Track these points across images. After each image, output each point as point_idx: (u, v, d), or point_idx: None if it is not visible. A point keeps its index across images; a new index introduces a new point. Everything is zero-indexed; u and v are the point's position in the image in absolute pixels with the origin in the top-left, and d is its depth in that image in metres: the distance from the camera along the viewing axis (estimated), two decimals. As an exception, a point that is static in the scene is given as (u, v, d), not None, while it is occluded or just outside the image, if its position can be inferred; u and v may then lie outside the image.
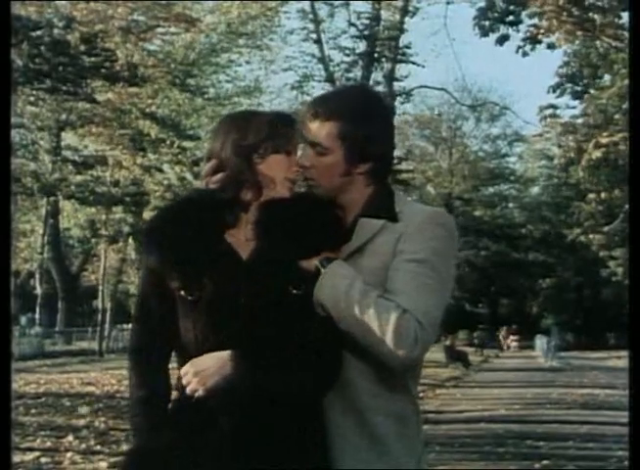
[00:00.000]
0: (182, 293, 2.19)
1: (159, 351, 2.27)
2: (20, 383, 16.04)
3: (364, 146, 2.27)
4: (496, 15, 22.97)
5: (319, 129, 2.29)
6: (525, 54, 22.97)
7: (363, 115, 2.29)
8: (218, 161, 2.28)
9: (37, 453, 8.17)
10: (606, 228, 36.05)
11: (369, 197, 2.31)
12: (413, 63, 32.88)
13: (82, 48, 17.79)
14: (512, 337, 48.27)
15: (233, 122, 2.33)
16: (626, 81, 21.82)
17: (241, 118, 2.35)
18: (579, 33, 20.90)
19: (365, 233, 2.25)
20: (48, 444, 8.86)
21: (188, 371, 2.17)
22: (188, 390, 2.16)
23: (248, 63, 33.93)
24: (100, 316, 32.94)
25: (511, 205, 62.96)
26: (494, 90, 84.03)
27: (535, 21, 21.76)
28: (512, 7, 22.77)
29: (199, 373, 2.14)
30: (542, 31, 21.13)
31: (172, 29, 25.74)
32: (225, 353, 2.14)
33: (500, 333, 48.44)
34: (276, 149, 2.27)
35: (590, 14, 20.25)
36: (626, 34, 19.41)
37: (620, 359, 28.95)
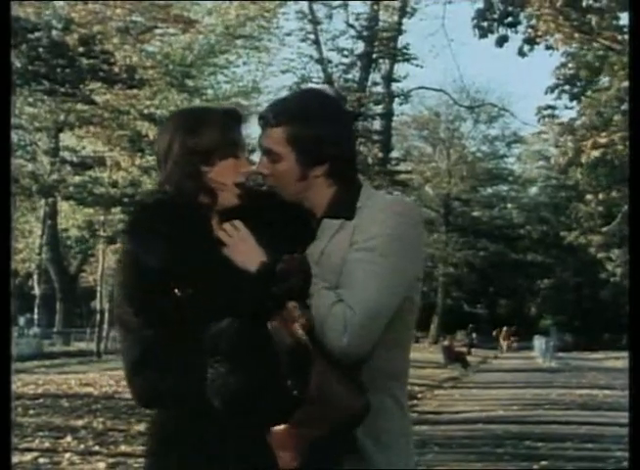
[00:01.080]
0: (176, 290, 2.14)
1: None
2: (18, 384, 16.02)
3: (315, 148, 2.25)
4: (494, 16, 22.97)
5: (270, 136, 2.29)
6: (523, 55, 22.98)
7: (310, 117, 2.27)
8: (164, 160, 2.26)
9: (36, 454, 8.18)
10: (604, 229, 36.08)
11: (331, 198, 2.29)
12: (411, 63, 32.92)
13: (80, 50, 17.76)
14: (512, 338, 48.14)
15: (182, 125, 2.27)
16: (625, 83, 21.82)
17: (190, 121, 2.28)
18: (577, 36, 20.91)
19: (325, 234, 2.25)
20: (46, 444, 8.86)
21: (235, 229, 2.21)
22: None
23: (245, 64, 33.96)
24: (98, 317, 32.89)
25: (509, 205, 62.98)
26: (492, 91, 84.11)
27: (533, 22, 21.77)
28: (510, 8, 22.77)
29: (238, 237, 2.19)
30: (540, 34, 21.14)
31: (170, 31, 25.73)
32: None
33: (500, 334, 48.25)
34: (225, 155, 2.25)
35: (588, 16, 20.25)
36: (624, 36, 19.42)
37: (619, 360, 28.96)
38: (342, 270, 2.18)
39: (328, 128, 2.27)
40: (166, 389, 2.14)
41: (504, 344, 46.91)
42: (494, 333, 49.55)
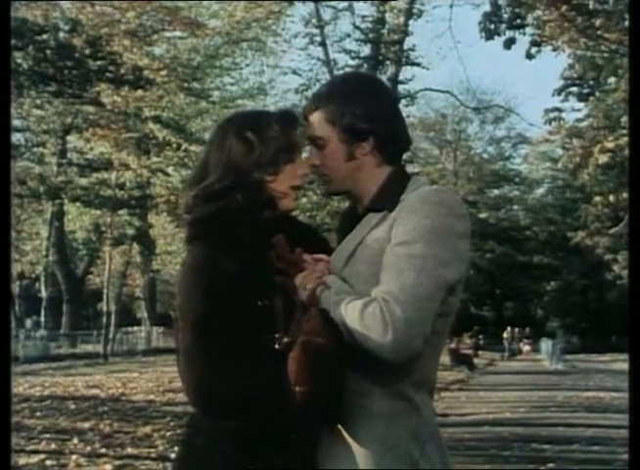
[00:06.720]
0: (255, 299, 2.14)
1: None
2: (25, 386, 16.07)
3: (355, 123, 2.22)
4: (501, 18, 22.94)
5: (312, 121, 2.28)
6: (531, 57, 22.94)
7: (345, 94, 2.25)
8: (225, 169, 2.23)
9: (42, 456, 8.18)
10: (611, 231, 36.01)
11: (380, 186, 2.25)
12: (418, 65, 32.89)
13: (88, 51, 17.77)
14: (526, 340, 47.84)
15: (243, 132, 2.23)
16: (631, 84, 21.75)
17: (251, 129, 2.24)
18: (582, 40, 20.85)
19: (366, 226, 2.21)
20: (53, 446, 8.86)
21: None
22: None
23: (252, 66, 33.96)
24: (105, 319, 32.95)
25: (516, 207, 62.94)
26: (499, 92, 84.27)
27: (539, 25, 21.72)
28: (517, 10, 22.73)
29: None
30: (545, 39, 21.10)
31: (177, 33, 25.78)
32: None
33: (513, 336, 47.86)
34: (286, 161, 2.24)
35: (593, 20, 20.17)
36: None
37: (626, 362, 28.86)
38: (382, 264, 2.10)
39: (367, 103, 2.25)
40: (241, 396, 2.10)
41: (518, 347, 46.37)
42: (505, 335, 49.26)
